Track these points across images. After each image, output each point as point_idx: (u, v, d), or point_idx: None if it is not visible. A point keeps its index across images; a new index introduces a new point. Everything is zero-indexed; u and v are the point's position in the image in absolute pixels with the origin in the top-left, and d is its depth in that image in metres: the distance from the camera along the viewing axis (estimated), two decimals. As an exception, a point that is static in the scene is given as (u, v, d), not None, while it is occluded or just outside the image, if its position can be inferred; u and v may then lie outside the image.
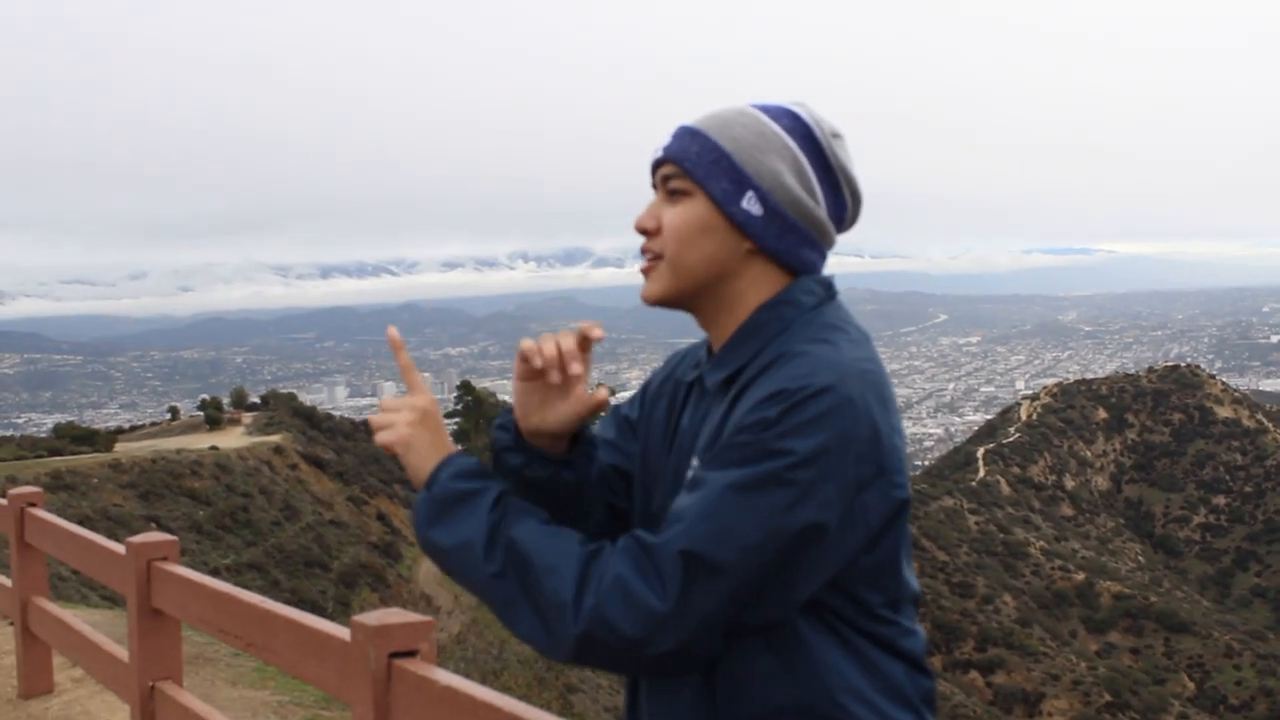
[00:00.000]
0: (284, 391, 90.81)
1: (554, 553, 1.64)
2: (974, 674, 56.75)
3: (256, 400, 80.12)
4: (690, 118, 1.83)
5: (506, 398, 1.77)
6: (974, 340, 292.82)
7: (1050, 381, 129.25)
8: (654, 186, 1.82)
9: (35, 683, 6.41)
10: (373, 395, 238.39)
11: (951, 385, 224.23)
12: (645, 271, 1.80)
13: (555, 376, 1.74)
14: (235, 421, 68.01)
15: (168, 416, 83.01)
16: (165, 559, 4.37)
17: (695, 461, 1.70)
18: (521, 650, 17.37)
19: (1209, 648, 63.03)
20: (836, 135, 1.79)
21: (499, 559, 1.67)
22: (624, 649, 1.59)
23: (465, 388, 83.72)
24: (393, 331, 1.85)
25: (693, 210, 1.74)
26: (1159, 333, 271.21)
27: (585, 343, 1.77)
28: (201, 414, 71.84)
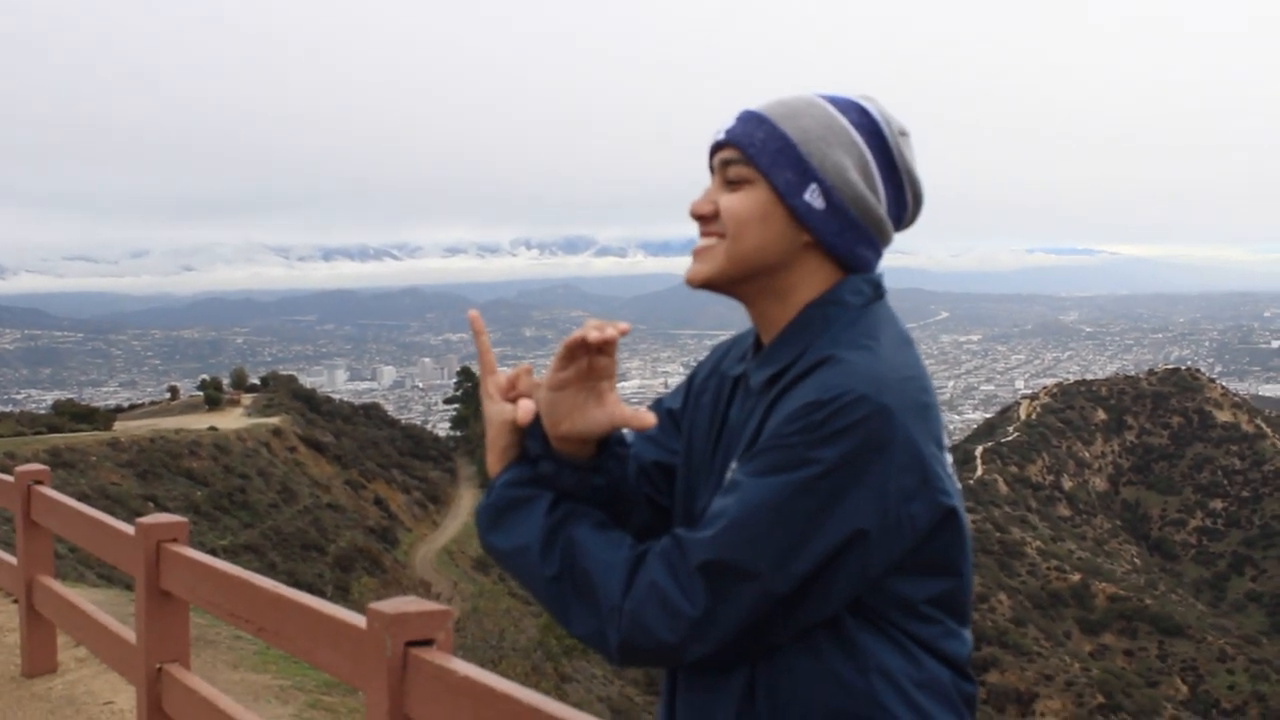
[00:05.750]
0: (284, 373, 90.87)
1: (606, 556, 1.66)
2: (967, 672, 56.73)
3: (256, 381, 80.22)
4: (753, 102, 1.78)
5: (506, 370, 1.74)
6: (975, 338, 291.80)
7: (1050, 381, 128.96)
8: (711, 169, 1.78)
9: (39, 661, 6.41)
10: (372, 379, 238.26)
11: (951, 383, 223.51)
12: (698, 253, 1.75)
13: (593, 336, 1.67)
14: (235, 402, 68.05)
15: (167, 396, 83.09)
16: (175, 540, 4.37)
17: (734, 464, 1.68)
18: (518, 640, 17.40)
19: (1203, 652, 63.01)
20: (904, 133, 1.77)
21: (555, 562, 1.68)
22: (663, 653, 1.61)
23: (465, 373, 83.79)
24: (474, 315, 1.85)
25: (753, 197, 1.71)
26: (1160, 335, 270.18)
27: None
28: (201, 394, 71.90)
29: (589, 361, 1.71)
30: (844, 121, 1.73)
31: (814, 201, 1.70)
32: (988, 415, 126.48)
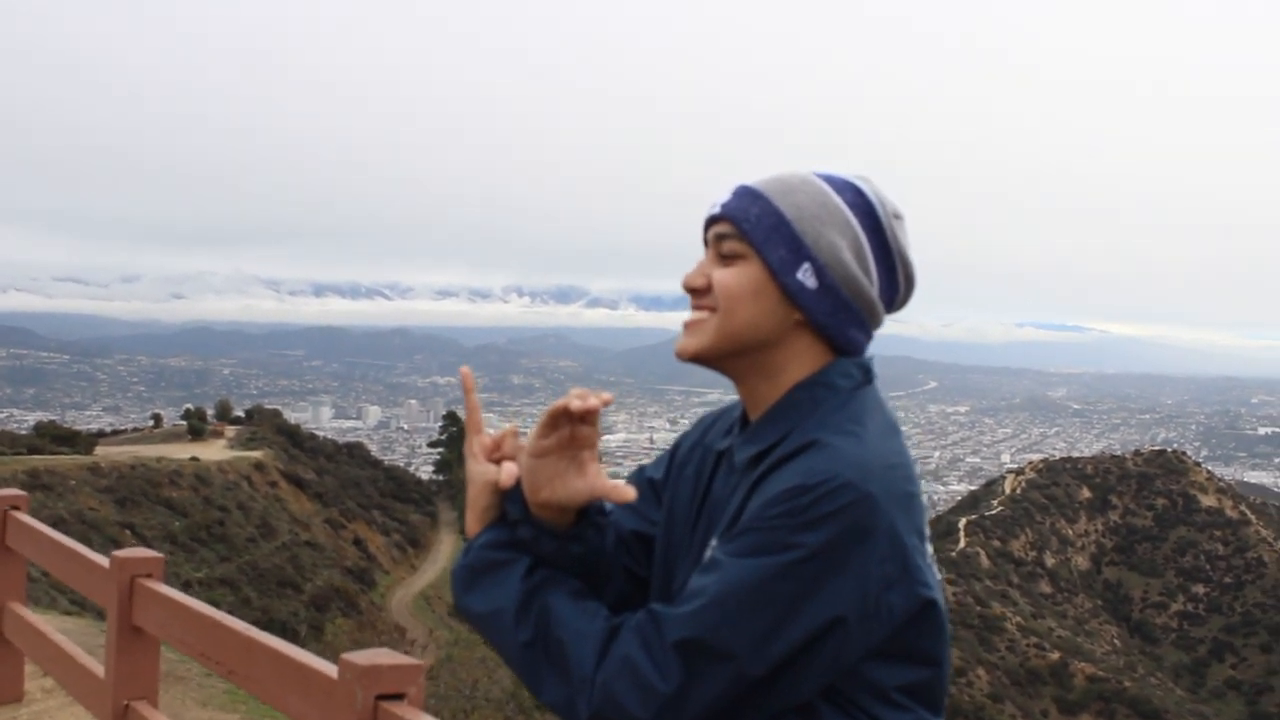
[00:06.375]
0: (269, 407, 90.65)
1: (580, 626, 1.64)
2: (940, 746, 56.31)
3: (241, 414, 79.94)
4: (750, 177, 1.79)
5: (492, 430, 1.76)
6: (962, 410, 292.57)
7: (1036, 457, 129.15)
8: (705, 243, 1.78)
9: (5, 691, 6.32)
10: (357, 418, 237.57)
11: (937, 453, 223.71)
12: (689, 326, 1.75)
13: (575, 405, 1.66)
14: (218, 434, 67.76)
15: (150, 423, 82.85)
16: (149, 576, 4.32)
17: (714, 542, 1.67)
18: (491, 691, 17.22)
19: (1179, 737, 62.73)
20: (898, 216, 1.77)
21: (529, 629, 1.67)
22: None
23: (451, 418, 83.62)
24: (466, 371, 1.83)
25: (746, 273, 1.70)
26: (1147, 416, 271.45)
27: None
28: (184, 423, 71.65)
29: (571, 430, 1.70)
30: (839, 201, 1.73)
31: (807, 280, 1.70)
32: (972, 487, 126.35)
